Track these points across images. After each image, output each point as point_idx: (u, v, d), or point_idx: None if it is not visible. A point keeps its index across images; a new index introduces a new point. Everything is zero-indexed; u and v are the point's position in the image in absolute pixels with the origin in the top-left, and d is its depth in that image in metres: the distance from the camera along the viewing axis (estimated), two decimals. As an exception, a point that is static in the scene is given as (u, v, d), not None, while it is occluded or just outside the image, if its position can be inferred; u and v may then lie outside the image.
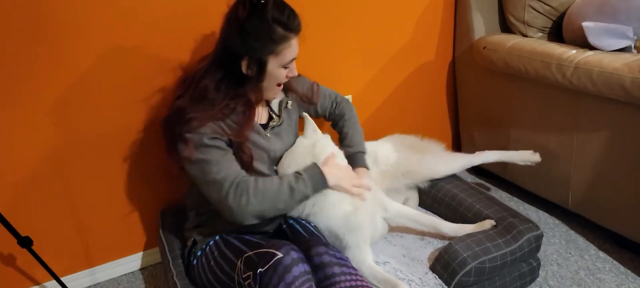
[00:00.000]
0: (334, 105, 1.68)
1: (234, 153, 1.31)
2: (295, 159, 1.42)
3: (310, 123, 1.53)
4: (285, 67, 1.32)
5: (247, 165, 1.33)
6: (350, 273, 1.18)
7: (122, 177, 1.73)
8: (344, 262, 1.21)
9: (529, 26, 1.98)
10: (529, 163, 1.72)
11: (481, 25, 2.08)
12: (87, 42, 1.52)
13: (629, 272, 1.66)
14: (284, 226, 1.44)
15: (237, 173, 1.27)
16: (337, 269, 1.17)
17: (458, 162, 1.74)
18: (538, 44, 1.82)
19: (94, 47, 1.54)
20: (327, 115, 1.70)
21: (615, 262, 1.71)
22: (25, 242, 1.48)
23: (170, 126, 1.31)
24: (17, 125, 1.52)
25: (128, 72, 1.61)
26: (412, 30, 2.10)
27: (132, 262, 1.87)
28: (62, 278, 1.64)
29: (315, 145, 1.44)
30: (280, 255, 1.12)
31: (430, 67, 2.22)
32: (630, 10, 1.63)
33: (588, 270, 1.69)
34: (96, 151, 1.65)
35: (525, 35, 1.99)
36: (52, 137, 1.58)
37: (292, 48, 1.30)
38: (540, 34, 2.00)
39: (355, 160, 1.57)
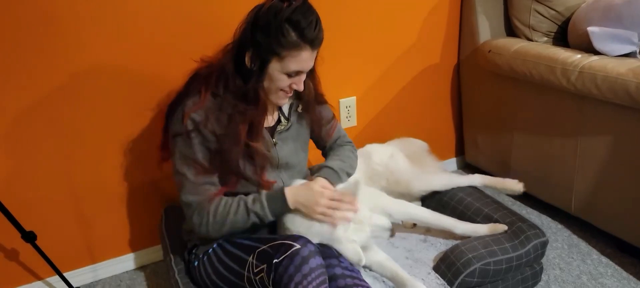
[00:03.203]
0: (337, 141, 1.54)
1: (239, 163, 1.27)
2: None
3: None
4: (289, 75, 1.21)
5: (258, 174, 1.30)
6: (362, 287, 1.17)
7: (125, 174, 1.73)
8: (356, 275, 1.22)
9: (534, 30, 1.98)
10: (511, 193, 1.67)
11: (486, 28, 2.08)
12: (92, 40, 1.53)
13: (631, 277, 1.66)
14: None
15: (203, 196, 1.24)
16: (349, 281, 1.17)
17: (441, 182, 1.68)
18: (543, 48, 1.82)
19: (99, 45, 1.54)
20: (327, 147, 1.55)
21: (617, 267, 1.71)
22: (29, 237, 1.49)
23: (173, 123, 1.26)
24: (20, 122, 1.53)
25: (132, 70, 1.61)
26: (417, 32, 2.10)
27: (134, 259, 1.87)
28: (64, 274, 1.65)
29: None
30: (297, 246, 1.11)
31: (435, 69, 2.23)
32: (635, 16, 1.63)
33: (590, 275, 1.69)
34: (100, 148, 1.66)
35: (530, 40, 2.00)
36: (56, 133, 1.58)
37: (300, 59, 1.18)
38: (546, 38, 2.00)
39: (318, 171, 1.39)
